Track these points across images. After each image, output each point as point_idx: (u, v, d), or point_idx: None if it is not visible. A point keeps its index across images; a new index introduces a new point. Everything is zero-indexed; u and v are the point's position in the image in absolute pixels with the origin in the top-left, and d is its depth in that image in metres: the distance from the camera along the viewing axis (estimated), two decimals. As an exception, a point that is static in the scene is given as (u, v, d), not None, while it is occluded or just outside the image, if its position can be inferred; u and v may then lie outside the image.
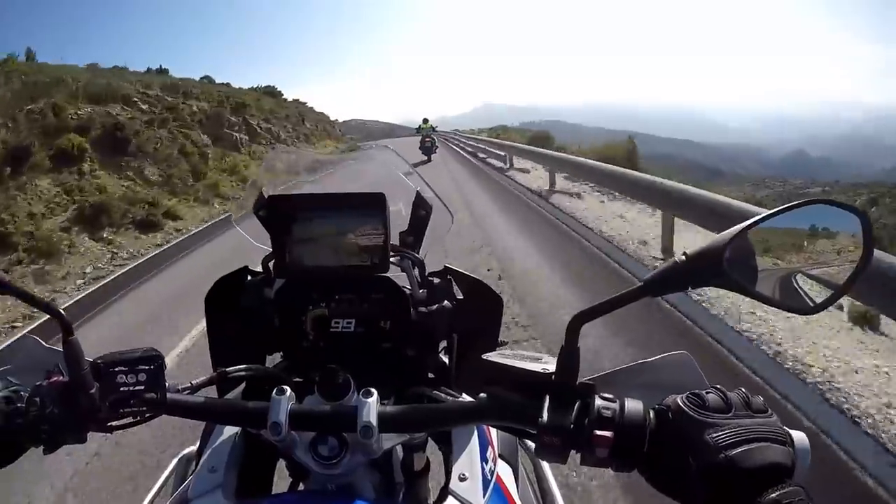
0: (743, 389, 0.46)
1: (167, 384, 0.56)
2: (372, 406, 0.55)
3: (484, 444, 0.76)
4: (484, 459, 0.74)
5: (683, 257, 0.46)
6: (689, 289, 0.47)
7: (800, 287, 0.48)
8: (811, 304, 0.47)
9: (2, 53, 11.94)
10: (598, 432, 0.46)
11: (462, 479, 0.69)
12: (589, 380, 0.51)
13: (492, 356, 0.54)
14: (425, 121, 18.11)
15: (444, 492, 0.68)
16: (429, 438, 0.81)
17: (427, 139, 16.72)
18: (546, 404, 0.49)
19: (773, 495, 0.39)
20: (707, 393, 0.45)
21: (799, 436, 0.45)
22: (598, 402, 0.48)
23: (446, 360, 0.83)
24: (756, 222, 0.45)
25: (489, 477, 0.72)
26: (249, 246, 0.92)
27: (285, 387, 0.57)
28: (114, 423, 0.55)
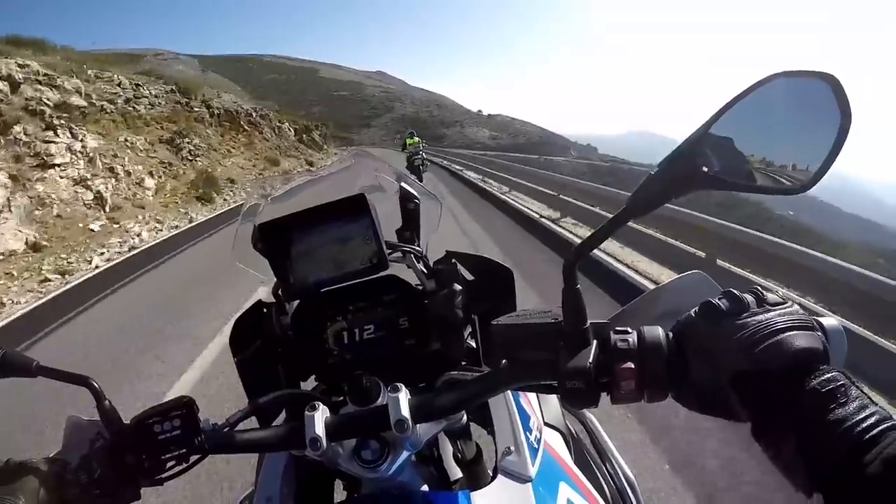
0: (757, 287, 0.46)
1: (203, 424, 0.61)
2: (401, 400, 0.59)
3: (525, 415, 0.81)
4: (528, 430, 0.78)
5: (657, 170, 0.48)
6: (673, 199, 0.49)
7: (786, 166, 0.48)
8: (801, 181, 0.47)
9: None
10: (620, 366, 0.48)
11: (508, 453, 0.73)
12: (608, 319, 0.54)
13: (501, 320, 0.57)
14: (411, 135, 16.34)
15: (495, 470, 0.72)
16: (471, 423, 0.86)
17: (415, 157, 15.06)
18: (562, 352, 0.51)
19: (813, 384, 0.39)
20: (718, 299, 0.46)
21: (830, 322, 0.45)
22: (614, 336, 0.50)
23: (473, 343, 0.87)
24: (719, 114, 0.47)
25: (536, 446, 0.76)
26: None
27: (316, 402, 0.62)
28: (162, 476, 0.60)
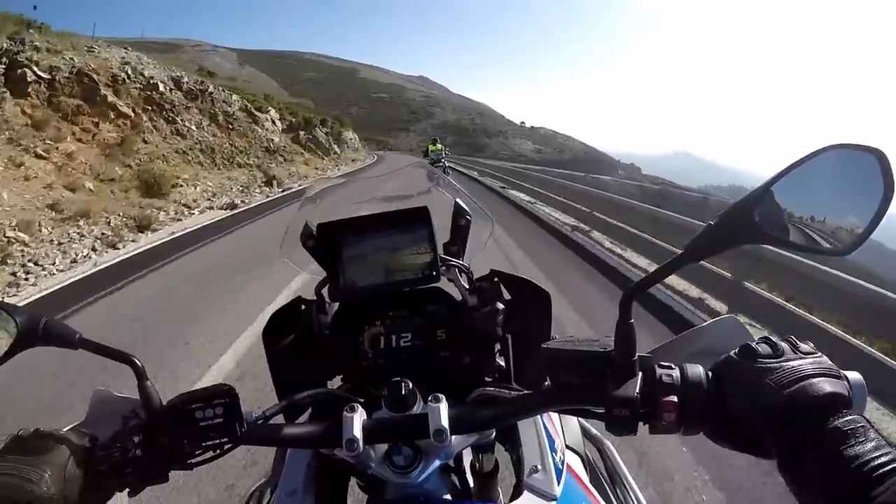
0: (791, 337, 0.52)
1: (245, 415, 0.62)
2: (442, 410, 0.61)
3: (550, 437, 0.85)
4: (553, 451, 0.81)
5: (715, 221, 0.52)
6: (730, 248, 0.53)
7: (830, 230, 0.53)
8: (843, 244, 0.52)
9: None
10: (664, 398, 0.52)
11: (535, 471, 0.76)
12: (646, 353, 0.57)
13: (551, 344, 0.59)
14: (434, 141, 16.84)
15: (519, 486, 0.75)
16: (495, 439, 0.89)
17: (436, 164, 15.09)
18: (609, 380, 0.54)
19: (836, 423, 0.44)
20: (756, 344, 0.51)
21: (853, 375, 0.50)
22: (659, 370, 0.54)
23: (502, 361, 0.90)
24: (777, 178, 0.51)
25: (560, 466, 0.80)
26: None
27: (355, 404, 0.63)
28: (193, 460, 0.61)
